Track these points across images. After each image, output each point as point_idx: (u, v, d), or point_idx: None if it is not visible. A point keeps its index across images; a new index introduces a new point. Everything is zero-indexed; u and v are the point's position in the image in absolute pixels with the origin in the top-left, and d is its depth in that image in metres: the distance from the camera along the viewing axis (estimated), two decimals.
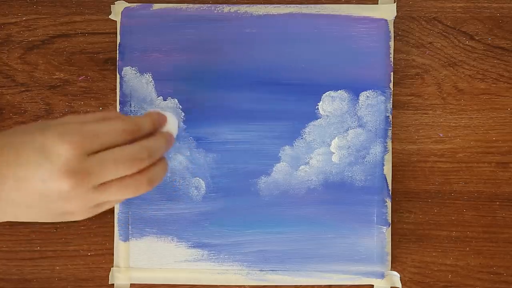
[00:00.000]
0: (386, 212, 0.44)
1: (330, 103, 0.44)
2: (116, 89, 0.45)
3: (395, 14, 0.44)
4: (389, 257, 0.44)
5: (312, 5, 0.45)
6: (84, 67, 0.45)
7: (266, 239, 0.45)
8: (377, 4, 0.45)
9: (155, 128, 0.36)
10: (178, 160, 0.44)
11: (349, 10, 0.44)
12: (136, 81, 0.44)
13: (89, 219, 0.45)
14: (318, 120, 0.44)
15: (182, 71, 0.44)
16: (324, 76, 0.44)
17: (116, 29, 0.45)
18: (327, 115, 0.44)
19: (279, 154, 0.45)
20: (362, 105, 0.44)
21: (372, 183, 0.44)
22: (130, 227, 0.45)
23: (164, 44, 0.44)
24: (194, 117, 0.44)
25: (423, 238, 0.45)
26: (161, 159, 0.35)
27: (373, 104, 0.44)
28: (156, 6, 0.45)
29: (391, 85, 0.44)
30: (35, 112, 0.45)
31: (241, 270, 0.45)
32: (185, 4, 0.45)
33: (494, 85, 0.45)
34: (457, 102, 0.45)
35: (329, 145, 0.45)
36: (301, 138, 0.45)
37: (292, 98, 0.44)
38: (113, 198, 0.33)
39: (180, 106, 0.44)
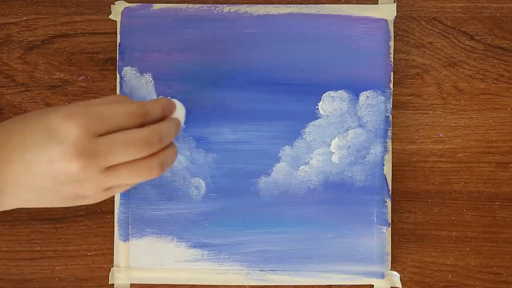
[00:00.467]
0: (386, 212, 0.44)
1: (330, 103, 0.44)
2: (116, 89, 0.45)
3: (395, 14, 0.44)
4: (389, 257, 0.44)
5: (312, 5, 0.45)
6: (84, 67, 0.45)
7: (266, 239, 0.45)
8: (377, 4, 0.45)
9: (165, 114, 0.36)
10: (178, 160, 0.44)
11: (349, 10, 0.44)
12: (136, 81, 0.44)
13: (89, 219, 0.45)
14: (318, 120, 0.44)
15: (182, 71, 0.44)
16: (324, 76, 0.44)
17: (116, 29, 0.45)
18: (327, 115, 0.44)
19: (279, 154, 0.45)
20: (362, 105, 0.44)
21: (372, 183, 0.44)
22: (130, 227, 0.45)
23: (164, 44, 0.44)
24: (194, 117, 0.44)
25: (423, 238, 0.45)
26: (171, 145, 0.35)
27: (373, 104, 0.44)
28: (156, 6, 0.45)
29: (391, 85, 0.44)
30: None
31: (241, 270, 0.45)
32: (185, 4, 0.45)
33: (494, 85, 0.45)
34: (457, 102, 0.45)
35: (329, 145, 0.45)
36: (301, 138, 0.45)
37: (292, 98, 0.44)
38: (124, 181, 0.33)
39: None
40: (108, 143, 0.31)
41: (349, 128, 0.45)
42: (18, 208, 0.45)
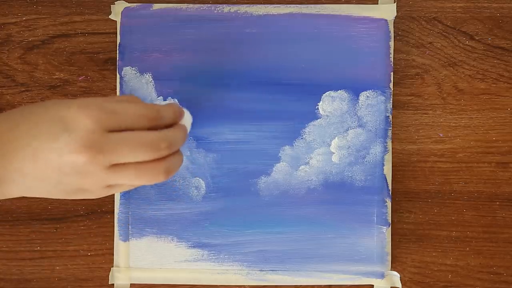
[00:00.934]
0: (386, 212, 0.44)
1: (330, 103, 0.44)
2: (116, 89, 0.45)
3: (395, 14, 0.44)
4: (389, 257, 0.44)
5: (312, 5, 0.45)
6: (84, 67, 0.45)
7: (266, 239, 0.45)
8: (377, 4, 0.45)
9: (175, 121, 0.36)
10: None
11: (349, 10, 0.44)
12: (136, 81, 0.44)
13: (89, 219, 0.45)
14: (318, 120, 0.44)
15: (182, 71, 0.44)
16: (324, 76, 0.44)
17: (116, 29, 0.45)
18: (327, 115, 0.44)
19: (279, 154, 0.45)
20: (362, 105, 0.44)
21: (372, 183, 0.44)
22: (130, 227, 0.45)
23: (164, 44, 0.44)
24: (194, 117, 0.44)
25: (423, 238, 0.45)
26: (178, 152, 0.35)
27: (373, 104, 0.44)
28: (156, 6, 0.45)
29: (391, 85, 0.44)
30: None
31: (241, 270, 0.45)
32: (185, 4, 0.45)
33: (494, 85, 0.45)
34: (457, 102, 0.45)
35: (329, 145, 0.45)
36: (301, 138, 0.45)
37: (292, 98, 0.44)
38: (128, 181, 0.33)
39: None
40: (118, 140, 0.31)
41: (349, 128, 0.45)
42: (18, 208, 0.45)
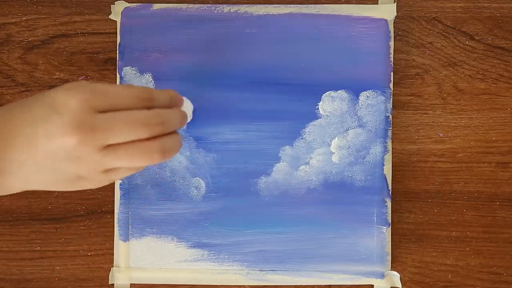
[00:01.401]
0: (386, 212, 0.44)
1: (330, 103, 0.44)
2: None
3: (395, 14, 0.44)
4: (389, 257, 0.44)
5: (312, 5, 0.45)
6: (84, 67, 0.45)
7: (266, 239, 0.45)
8: (377, 4, 0.45)
9: (171, 105, 0.35)
10: (178, 160, 0.44)
11: (349, 10, 0.44)
12: (136, 81, 0.44)
13: (89, 219, 0.45)
14: (318, 120, 0.44)
15: (182, 71, 0.44)
16: (324, 76, 0.44)
17: (116, 29, 0.45)
18: (327, 115, 0.44)
19: (279, 154, 0.45)
20: (362, 105, 0.44)
21: (372, 183, 0.44)
22: (130, 227, 0.45)
23: (164, 44, 0.44)
24: (194, 117, 0.44)
25: (423, 238, 0.45)
26: (175, 133, 0.35)
27: (373, 104, 0.44)
28: (156, 6, 0.45)
29: (391, 85, 0.44)
30: None
31: (241, 270, 0.45)
32: (185, 4, 0.45)
33: (494, 85, 0.45)
34: (457, 102, 0.45)
35: (329, 145, 0.45)
36: (301, 138, 0.45)
37: (292, 98, 0.44)
38: (123, 163, 0.32)
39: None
40: (108, 120, 0.31)
41: (349, 128, 0.45)
42: (18, 208, 0.45)
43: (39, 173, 0.32)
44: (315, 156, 0.44)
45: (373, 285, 0.45)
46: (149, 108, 0.33)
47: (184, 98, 0.38)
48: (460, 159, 0.45)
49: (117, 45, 0.45)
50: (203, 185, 0.45)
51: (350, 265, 0.44)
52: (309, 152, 0.45)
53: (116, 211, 0.45)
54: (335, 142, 0.45)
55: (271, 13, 0.45)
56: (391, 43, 0.45)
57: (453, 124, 0.45)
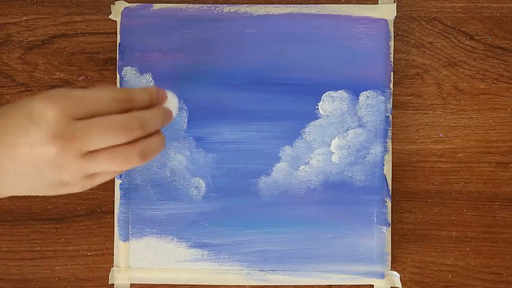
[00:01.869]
0: (386, 212, 0.44)
1: (330, 103, 0.44)
2: None
3: (395, 14, 0.44)
4: (389, 257, 0.44)
5: (312, 5, 0.45)
6: (84, 67, 0.45)
7: (266, 239, 0.45)
8: (377, 4, 0.45)
9: (152, 103, 0.35)
10: (178, 160, 0.44)
11: (349, 10, 0.44)
12: (136, 81, 0.44)
13: (89, 219, 0.45)
14: (318, 120, 0.45)
15: (182, 71, 0.44)
16: (324, 76, 0.44)
17: (116, 29, 0.45)
18: (327, 115, 0.44)
19: (279, 154, 0.45)
20: (362, 105, 0.44)
21: (372, 183, 0.44)
22: (130, 227, 0.45)
23: (164, 44, 0.44)
24: (194, 117, 0.44)
25: (423, 238, 0.45)
26: (157, 133, 0.34)
27: (373, 104, 0.44)
28: (156, 6, 0.45)
29: (391, 85, 0.44)
30: None
31: (241, 270, 0.45)
32: (185, 4, 0.45)
33: (494, 85, 0.45)
34: (457, 102, 0.45)
35: (329, 145, 0.45)
36: (301, 138, 0.45)
37: (292, 98, 0.44)
38: (104, 168, 0.32)
39: (180, 106, 0.44)
40: (86, 126, 0.31)
41: (349, 128, 0.45)
42: (18, 208, 0.45)
43: (24, 180, 0.32)
44: (315, 156, 0.44)
45: (373, 285, 0.45)
46: (129, 109, 0.33)
47: (168, 92, 0.37)
48: (460, 159, 0.45)
49: (117, 45, 0.45)
50: (203, 185, 0.45)
51: (350, 265, 0.44)
52: (309, 152, 0.45)
53: (116, 211, 0.45)
54: (335, 142, 0.45)
55: (271, 13, 0.45)
56: (391, 43, 0.45)
57: (453, 124, 0.45)
